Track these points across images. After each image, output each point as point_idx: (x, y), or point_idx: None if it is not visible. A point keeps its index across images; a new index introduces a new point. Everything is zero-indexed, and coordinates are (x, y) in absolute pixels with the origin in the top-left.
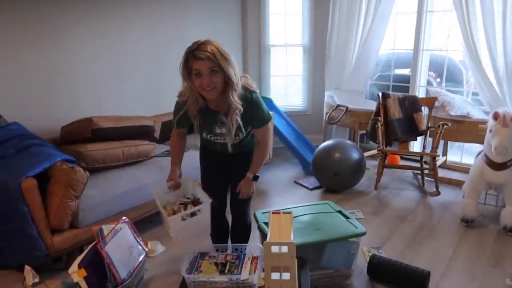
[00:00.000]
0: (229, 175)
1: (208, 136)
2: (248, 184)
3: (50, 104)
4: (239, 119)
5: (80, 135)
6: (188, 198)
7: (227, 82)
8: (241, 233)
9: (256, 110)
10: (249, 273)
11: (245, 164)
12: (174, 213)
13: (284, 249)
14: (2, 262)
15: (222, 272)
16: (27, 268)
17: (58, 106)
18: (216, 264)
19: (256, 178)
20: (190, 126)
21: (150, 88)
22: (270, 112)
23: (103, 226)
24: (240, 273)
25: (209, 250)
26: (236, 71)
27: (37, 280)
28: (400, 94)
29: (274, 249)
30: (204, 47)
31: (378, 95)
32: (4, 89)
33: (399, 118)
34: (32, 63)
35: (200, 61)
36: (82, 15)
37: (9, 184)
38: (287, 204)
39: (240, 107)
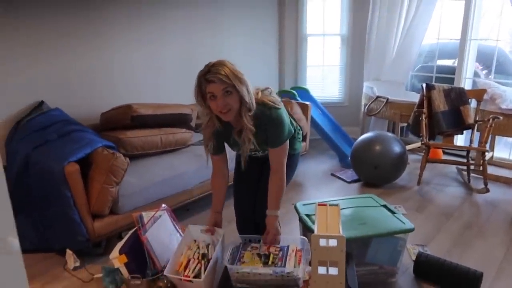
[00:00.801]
0: (260, 173)
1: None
2: (272, 225)
3: (90, 91)
4: (251, 137)
5: (120, 121)
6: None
7: (242, 102)
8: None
9: (273, 127)
10: (294, 266)
11: None
12: (188, 262)
13: (333, 242)
14: (45, 246)
15: (265, 263)
16: (69, 252)
17: (98, 93)
18: (259, 255)
19: (276, 216)
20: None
21: (188, 76)
22: (307, 102)
23: (143, 213)
24: (284, 266)
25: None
26: (249, 90)
27: (77, 264)
28: (445, 86)
29: (322, 242)
30: (216, 69)
31: (422, 86)
32: (47, 77)
33: (444, 111)
34: (74, 52)
35: (212, 84)
36: (122, 6)
37: (53, 169)
38: (324, 197)
39: (252, 127)
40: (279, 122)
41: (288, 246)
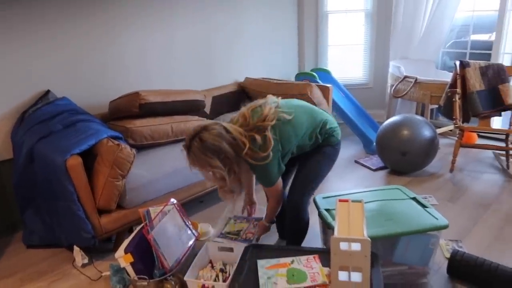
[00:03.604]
0: (292, 165)
1: None
2: (261, 229)
3: (100, 78)
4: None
5: (128, 110)
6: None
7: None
8: (290, 229)
9: (260, 178)
10: None
11: (313, 151)
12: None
13: (356, 246)
14: (54, 241)
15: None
16: (76, 248)
17: (108, 80)
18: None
19: (269, 226)
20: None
21: (200, 62)
22: (328, 85)
23: (150, 209)
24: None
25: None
26: (224, 168)
27: (86, 261)
28: (482, 63)
29: (344, 246)
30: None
31: (455, 64)
32: (53, 65)
33: (481, 91)
34: (82, 38)
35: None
36: None
37: (55, 162)
38: (348, 187)
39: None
40: (263, 175)
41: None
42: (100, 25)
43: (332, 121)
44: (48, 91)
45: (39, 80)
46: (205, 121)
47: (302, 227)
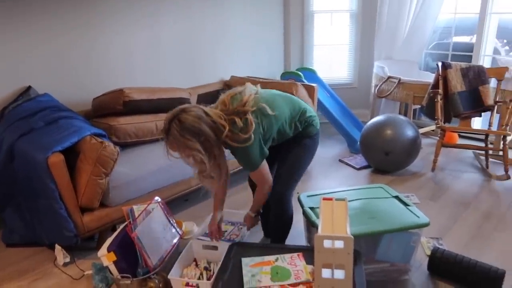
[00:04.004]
0: (274, 156)
1: None
2: (248, 221)
3: (83, 75)
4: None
5: (112, 107)
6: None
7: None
8: (274, 223)
9: (242, 161)
10: None
11: (294, 144)
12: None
13: (339, 244)
14: (35, 239)
15: None
16: (58, 247)
17: (91, 77)
18: None
19: (256, 217)
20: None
21: (186, 59)
22: (313, 84)
23: (134, 207)
24: None
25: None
26: (202, 152)
27: (67, 260)
28: (463, 64)
29: (327, 243)
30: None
31: (437, 65)
32: (35, 60)
33: (462, 92)
34: (65, 34)
35: None
36: None
37: (36, 159)
38: (332, 186)
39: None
40: (246, 159)
41: None
42: (84, 20)
43: (311, 110)
44: (29, 87)
45: (20, 76)
46: (184, 105)
47: (286, 221)
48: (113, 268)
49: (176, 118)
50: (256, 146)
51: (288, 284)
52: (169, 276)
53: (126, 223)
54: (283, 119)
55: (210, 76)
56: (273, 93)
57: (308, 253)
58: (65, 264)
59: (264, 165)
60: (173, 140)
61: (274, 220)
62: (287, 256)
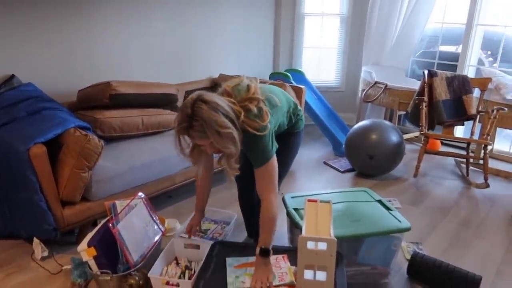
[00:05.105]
0: None
1: None
2: (261, 266)
3: (69, 65)
4: (234, 165)
5: (97, 100)
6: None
7: None
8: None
9: (254, 152)
10: None
11: (280, 141)
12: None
13: (322, 246)
14: (12, 232)
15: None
16: (36, 240)
17: (77, 68)
18: None
19: (266, 252)
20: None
21: (174, 55)
22: (301, 86)
23: (117, 202)
24: None
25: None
26: (235, 139)
27: (46, 254)
28: (448, 73)
29: (310, 245)
30: (194, 127)
31: (423, 72)
32: (19, 48)
33: (446, 100)
34: (51, 23)
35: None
36: None
37: (17, 150)
38: (316, 188)
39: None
40: (261, 149)
41: None
42: (72, 10)
43: (299, 112)
44: (12, 76)
45: (3, 64)
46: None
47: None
48: (92, 263)
49: (199, 100)
50: (270, 138)
51: (272, 286)
52: (149, 275)
53: (107, 218)
54: (284, 110)
55: (198, 73)
56: (268, 86)
57: (291, 253)
58: (43, 258)
59: (275, 159)
60: (201, 124)
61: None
62: (272, 257)
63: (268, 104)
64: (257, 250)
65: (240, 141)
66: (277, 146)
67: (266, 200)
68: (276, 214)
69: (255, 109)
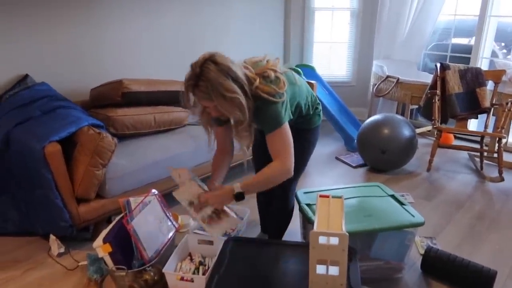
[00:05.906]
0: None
1: None
2: (222, 196)
3: (81, 65)
4: (247, 134)
5: (110, 98)
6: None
7: None
8: (275, 216)
9: (265, 120)
10: None
11: (297, 136)
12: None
13: (334, 240)
14: (29, 229)
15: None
16: (52, 237)
17: (89, 67)
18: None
19: (239, 197)
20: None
21: (185, 53)
22: (312, 81)
23: (131, 199)
24: None
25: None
26: (243, 105)
27: (62, 250)
28: (461, 66)
29: (322, 240)
30: (195, 89)
31: (436, 66)
32: (32, 48)
33: (459, 93)
34: (63, 23)
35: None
36: None
37: (32, 148)
38: (328, 183)
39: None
40: (272, 114)
41: None
42: (84, 10)
43: (318, 106)
44: (26, 76)
45: (17, 64)
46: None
47: (287, 215)
48: (108, 259)
49: (209, 60)
50: (284, 105)
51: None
52: (163, 270)
53: (122, 214)
54: (304, 94)
55: None
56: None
57: (304, 249)
58: (60, 255)
59: (288, 127)
60: (207, 85)
61: (276, 214)
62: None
63: (286, 79)
64: (235, 187)
65: (249, 108)
66: (291, 117)
67: (278, 160)
68: (277, 177)
69: (272, 75)
